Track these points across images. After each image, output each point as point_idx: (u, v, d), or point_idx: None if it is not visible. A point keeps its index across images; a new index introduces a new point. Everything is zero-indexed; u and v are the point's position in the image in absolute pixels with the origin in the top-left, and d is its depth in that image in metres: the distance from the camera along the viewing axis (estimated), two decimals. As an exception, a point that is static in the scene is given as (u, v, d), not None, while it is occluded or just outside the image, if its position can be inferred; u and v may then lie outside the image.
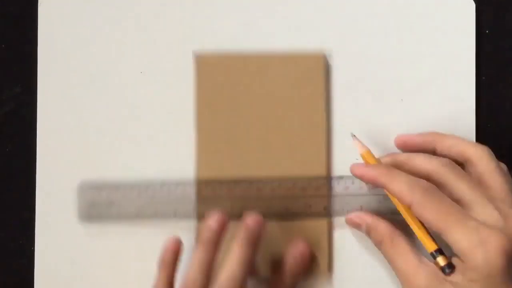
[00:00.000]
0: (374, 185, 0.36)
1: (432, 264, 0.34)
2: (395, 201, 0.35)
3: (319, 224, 0.40)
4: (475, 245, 0.31)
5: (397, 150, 0.40)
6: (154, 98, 0.42)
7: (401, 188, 0.34)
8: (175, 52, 0.42)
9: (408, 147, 0.39)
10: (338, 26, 0.42)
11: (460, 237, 0.32)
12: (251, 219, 0.36)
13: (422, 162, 0.36)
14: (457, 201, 0.34)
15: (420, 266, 0.34)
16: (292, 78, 0.40)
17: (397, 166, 0.36)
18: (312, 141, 0.40)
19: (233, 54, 0.41)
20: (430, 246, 0.34)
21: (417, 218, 0.34)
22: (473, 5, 0.42)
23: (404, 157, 0.37)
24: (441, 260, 0.34)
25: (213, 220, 0.36)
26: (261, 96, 0.40)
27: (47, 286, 0.41)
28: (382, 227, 0.36)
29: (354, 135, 0.38)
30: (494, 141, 0.42)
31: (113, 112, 0.42)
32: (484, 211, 0.33)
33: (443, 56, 0.42)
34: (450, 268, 0.33)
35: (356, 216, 0.38)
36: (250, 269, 0.36)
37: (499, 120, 0.42)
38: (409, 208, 0.34)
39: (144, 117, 0.41)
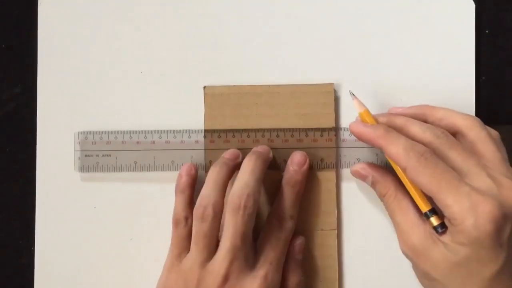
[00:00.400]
0: (371, 145, 0.36)
1: (428, 225, 0.34)
2: (391, 162, 0.36)
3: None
4: (466, 210, 0.32)
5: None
6: (154, 98, 0.42)
7: (398, 151, 0.34)
8: (175, 51, 0.42)
9: None
10: (338, 27, 0.42)
11: (451, 201, 0.32)
12: (259, 147, 0.39)
13: (417, 131, 0.36)
14: (453, 169, 0.34)
15: (417, 224, 0.34)
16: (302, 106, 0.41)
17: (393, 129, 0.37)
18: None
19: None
20: (424, 206, 0.35)
21: (413, 182, 0.35)
22: (473, 5, 0.42)
23: (401, 122, 0.37)
24: (434, 220, 0.34)
25: (227, 153, 0.39)
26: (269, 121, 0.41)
27: (47, 286, 0.41)
28: (389, 180, 0.37)
29: (353, 93, 0.38)
30: (494, 141, 0.42)
31: (113, 112, 0.42)
32: (477, 179, 0.33)
33: (443, 56, 0.42)
34: (442, 227, 0.33)
35: (362, 168, 0.38)
36: (260, 183, 0.37)
37: (499, 120, 0.42)
38: (404, 171, 0.34)
39: (145, 116, 0.41)
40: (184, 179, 0.39)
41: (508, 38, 0.43)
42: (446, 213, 0.33)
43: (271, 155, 0.40)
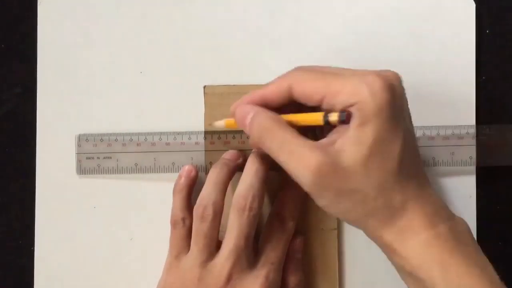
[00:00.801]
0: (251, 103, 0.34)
1: (321, 142, 0.32)
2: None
3: None
4: (360, 85, 0.30)
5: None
6: (154, 98, 0.42)
7: (277, 81, 0.33)
8: (175, 51, 0.42)
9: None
10: (338, 27, 0.42)
11: (341, 85, 0.31)
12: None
13: (279, 82, 0.34)
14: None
15: (313, 145, 0.32)
16: None
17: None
18: None
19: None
20: (318, 116, 0.32)
21: (299, 95, 0.33)
22: (473, 5, 0.42)
23: (254, 92, 0.34)
24: (334, 115, 0.31)
25: (227, 154, 0.39)
26: None
27: (47, 286, 0.41)
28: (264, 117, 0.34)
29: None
30: (494, 141, 0.42)
31: (113, 112, 0.42)
32: (355, 71, 0.32)
33: (443, 56, 0.41)
34: (344, 113, 0.31)
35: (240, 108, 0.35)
36: (264, 184, 0.37)
37: (499, 120, 0.42)
38: (289, 90, 0.33)
39: (145, 117, 0.41)
40: (183, 180, 0.39)
41: (509, 38, 0.43)
42: (340, 98, 0.31)
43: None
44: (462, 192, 0.41)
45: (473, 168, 0.41)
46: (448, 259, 0.32)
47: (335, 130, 0.32)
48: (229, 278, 0.36)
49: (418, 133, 0.40)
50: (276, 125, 0.33)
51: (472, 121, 0.41)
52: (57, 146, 0.41)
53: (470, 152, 0.40)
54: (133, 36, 0.42)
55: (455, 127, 0.41)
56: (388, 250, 0.33)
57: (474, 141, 0.40)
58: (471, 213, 0.41)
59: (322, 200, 0.32)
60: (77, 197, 0.41)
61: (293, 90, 0.33)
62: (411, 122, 0.33)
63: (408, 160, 0.32)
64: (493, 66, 0.42)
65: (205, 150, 0.40)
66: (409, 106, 0.40)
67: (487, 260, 0.33)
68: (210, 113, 0.41)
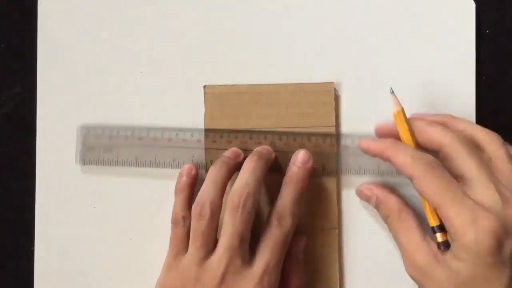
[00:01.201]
0: (381, 157, 0.36)
1: (433, 244, 0.34)
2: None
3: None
4: (468, 223, 0.31)
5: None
6: (154, 98, 0.42)
7: (405, 161, 0.34)
8: (175, 51, 0.42)
9: None
10: (338, 28, 0.42)
11: (454, 214, 0.32)
12: (261, 147, 0.39)
13: (436, 133, 0.35)
14: (461, 176, 0.34)
15: (421, 245, 0.34)
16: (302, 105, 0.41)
17: (416, 131, 0.36)
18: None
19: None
20: (433, 220, 0.34)
21: (417, 190, 0.34)
22: (473, 5, 0.42)
23: (421, 124, 0.36)
24: (439, 236, 0.34)
25: (228, 151, 0.39)
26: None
27: (47, 286, 0.41)
28: (392, 201, 0.37)
29: (393, 91, 0.38)
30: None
31: (113, 112, 0.42)
32: (485, 192, 0.33)
33: (443, 56, 0.41)
34: (446, 246, 0.33)
35: (367, 188, 0.38)
36: (261, 184, 0.37)
37: (499, 120, 0.42)
38: (411, 180, 0.34)
39: (144, 117, 0.41)
40: (184, 179, 0.39)
41: (508, 38, 0.43)
42: (448, 226, 0.33)
43: (273, 155, 0.40)
44: (462, 192, 0.41)
45: (473, 168, 0.41)
46: None
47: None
48: (223, 277, 0.36)
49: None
50: (405, 214, 0.36)
51: (472, 121, 0.41)
52: (58, 146, 0.41)
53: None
54: (133, 36, 0.42)
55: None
56: None
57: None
58: (471, 213, 0.41)
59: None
60: (77, 197, 0.41)
61: (413, 181, 0.34)
62: None
63: None
64: (493, 66, 0.42)
65: (205, 148, 0.40)
66: (409, 106, 0.40)
67: None
68: (210, 113, 0.41)
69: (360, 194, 0.39)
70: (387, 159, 0.36)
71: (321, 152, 0.40)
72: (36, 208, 0.41)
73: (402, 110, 0.37)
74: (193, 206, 0.37)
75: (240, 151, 0.40)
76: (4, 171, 0.42)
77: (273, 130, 0.40)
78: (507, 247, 0.32)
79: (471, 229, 0.31)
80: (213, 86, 0.41)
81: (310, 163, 0.39)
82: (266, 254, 0.37)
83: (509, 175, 0.34)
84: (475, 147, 0.35)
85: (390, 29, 0.42)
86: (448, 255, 0.33)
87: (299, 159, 0.38)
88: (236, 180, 0.37)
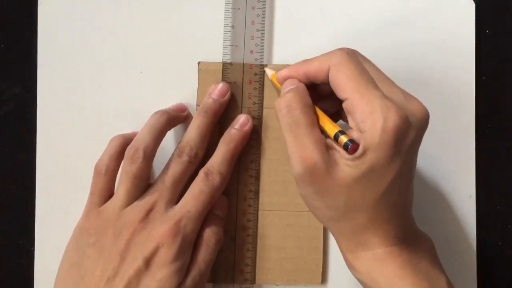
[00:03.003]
0: (298, 78, 0.35)
1: (327, 143, 0.33)
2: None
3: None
4: (377, 112, 0.31)
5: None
6: (154, 98, 0.42)
7: (320, 58, 0.34)
8: (175, 51, 0.42)
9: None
10: (338, 28, 0.42)
11: (364, 102, 0.32)
12: (215, 90, 0.40)
13: (322, 59, 0.35)
14: None
15: (321, 140, 0.33)
16: None
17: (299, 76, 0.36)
18: None
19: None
20: (334, 128, 0.33)
21: (331, 81, 0.34)
22: (473, 5, 0.42)
23: (301, 64, 0.36)
24: (344, 138, 0.32)
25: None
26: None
27: (47, 286, 0.41)
28: (301, 88, 0.35)
29: (266, 67, 0.40)
30: (494, 141, 0.42)
31: (113, 112, 0.42)
32: (389, 88, 0.33)
33: (443, 56, 0.41)
34: (352, 142, 0.32)
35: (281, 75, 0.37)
36: (205, 138, 0.39)
37: (499, 120, 0.42)
38: (327, 72, 0.34)
39: (144, 116, 0.41)
40: (120, 134, 0.40)
41: (508, 38, 0.43)
42: (357, 113, 0.32)
43: (247, 127, 0.40)
44: (462, 192, 0.41)
45: (473, 168, 0.41)
46: (397, 271, 0.33)
47: (351, 129, 0.33)
48: (146, 214, 0.36)
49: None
50: (300, 107, 0.34)
51: (472, 121, 0.41)
52: (58, 145, 0.41)
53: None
54: (133, 36, 0.42)
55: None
56: (346, 263, 0.35)
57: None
58: (471, 213, 0.41)
59: (300, 190, 0.34)
60: (77, 197, 0.41)
61: (329, 74, 0.34)
62: (415, 157, 0.34)
63: (396, 192, 0.33)
64: (493, 66, 0.42)
65: None
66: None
67: (444, 276, 0.34)
68: (204, 90, 0.41)
69: (280, 77, 0.37)
70: (304, 74, 0.35)
71: None
72: (36, 208, 0.41)
73: (274, 75, 0.38)
74: (127, 149, 0.38)
75: (185, 106, 0.41)
76: (4, 171, 0.42)
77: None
78: (407, 139, 0.32)
79: (380, 117, 0.31)
80: (207, 63, 0.41)
81: (247, 126, 0.40)
82: (188, 201, 0.37)
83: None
84: (363, 56, 0.35)
85: (390, 29, 0.42)
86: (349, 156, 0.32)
87: (239, 121, 0.40)
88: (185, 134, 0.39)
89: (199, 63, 0.41)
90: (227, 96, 0.40)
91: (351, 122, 0.33)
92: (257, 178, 0.41)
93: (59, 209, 0.41)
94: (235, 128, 0.39)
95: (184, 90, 0.41)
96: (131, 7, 0.42)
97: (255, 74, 0.41)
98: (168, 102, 0.41)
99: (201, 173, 0.38)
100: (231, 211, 0.41)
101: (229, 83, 0.40)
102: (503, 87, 0.43)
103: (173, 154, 0.38)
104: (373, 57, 0.41)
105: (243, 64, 0.41)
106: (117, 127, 0.41)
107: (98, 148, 0.40)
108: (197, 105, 0.41)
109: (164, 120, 0.39)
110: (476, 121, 0.41)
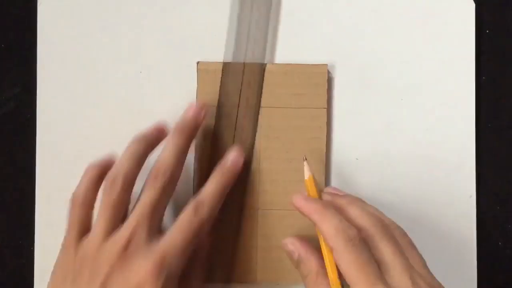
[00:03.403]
0: (308, 218, 0.35)
1: None
2: (320, 238, 0.35)
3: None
4: None
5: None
6: (154, 98, 0.42)
7: (329, 231, 0.33)
8: (175, 51, 0.42)
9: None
10: (338, 27, 0.42)
11: None
12: (191, 109, 0.38)
13: (356, 215, 0.35)
14: (379, 261, 0.33)
15: None
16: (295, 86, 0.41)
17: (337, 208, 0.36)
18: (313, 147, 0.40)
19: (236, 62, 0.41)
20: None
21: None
22: (473, 5, 0.42)
23: (343, 203, 0.36)
24: None
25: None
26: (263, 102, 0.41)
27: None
28: (312, 262, 0.36)
29: (306, 159, 0.38)
30: (494, 141, 0.42)
31: (113, 112, 0.42)
32: (399, 278, 0.32)
33: (443, 56, 0.41)
34: None
35: (291, 243, 0.37)
36: (180, 159, 0.37)
37: (499, 120, 0.42)
38: (330, 251, 0.34)
39: (144, 116, 0.41)
40: (96, 162, 0.37)
41: (508, 38, 0.43)
42: None
43: (201, 118, 0.38)
44: (462, 192, 0.41)
45: (473, 168, 0.41)
46: None
47: None
48: (125, 247, 0.33)
49: (419, 133, 0.40)
50: (319, 279, 0.35)
51: (472, 121, 0.41)
52: (57, 146, 0.41)
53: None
54: (133, 36, 0.42)
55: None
56: None
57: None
58: (471, 213, 0.41)
59: None
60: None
61: (333, 253, 0.33)
62: None
63: None
64: (493, 66, 0.42)
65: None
66: (409, 106, 0.40)
67: None
68: (203, 91, 0.41)
69: (284, 247, 0.37)
70: (314, 223, 0.35)
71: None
72: (36, 208, 0.41)
73: (311, 178, 0.37)
74: (105, 178, 0.36)
75: (164, 125, 0.39)
76: (4, 171, 0.42)
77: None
78: None
79: None
80: (207, 63, 0.41)
81: (239, 165, 0.39)
82: (174, 234, 0.34)
83: (419, 261, 0.34)
84: (391, 233, 0.35)
85: (390, 29, 0.42)
86: None
87: (231, 158, 0.38)
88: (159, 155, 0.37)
89: (198, 63, 0.41)
90: (203, 115, 0.38)
91: None
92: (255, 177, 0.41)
93: (59, 209, 0.41)
94: (228, 165, 0.38)
95: (184, 90, 0.41)
96: (131, 7, 0.42)
97: (255, 73, 0.41)
98: (168, 102, 0.41)
99: (191, 205, 0.36)
100: (231, 209, 0.40)
101: (228, 83, 0.40)
102: (503, 87, 0.43)
103: (148, 176, 0.36)
104: (373, 57, 0.42)
105: (244, 63, 0.41)
106: (117, 127, 0.41)
107: (98, 148, 0.40)
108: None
109: (143, 146, 0.37)
110: (476, 121, 0.41)
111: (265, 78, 0.41)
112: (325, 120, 0.40)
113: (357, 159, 0.40)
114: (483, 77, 0.42)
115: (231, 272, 0.40)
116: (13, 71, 0.43)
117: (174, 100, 0.41)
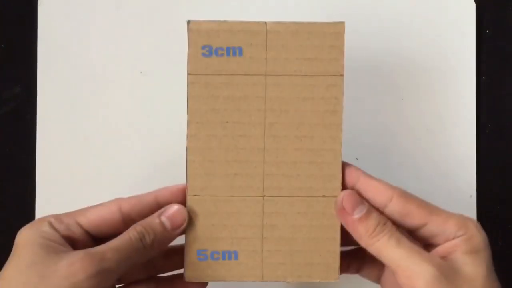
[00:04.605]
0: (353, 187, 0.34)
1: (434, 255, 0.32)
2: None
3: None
4: (466, 221, 0.32)
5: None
6: (154, 98, 0.42)
7: (381, 184, 0.33)
8: (175, 52, 0.42)
9: None
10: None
11: (448, 217, 0.32)
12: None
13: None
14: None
15: (424, 253, 0.32)
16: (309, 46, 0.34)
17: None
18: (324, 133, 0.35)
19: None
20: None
21: (397, 209, 0.33)
22: (473, 5, 0.42)
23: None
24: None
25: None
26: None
27: (47, 286, 0.41)
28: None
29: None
30: (494, 141, 0.42)
31: (113, 112, 0.42)
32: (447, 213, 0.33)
33: (443, 56, 0.42)
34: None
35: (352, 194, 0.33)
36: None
37: (499, 120, 0.42)
38: (385, 205, 0.33)
39: (144, 116, 0.42)
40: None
41: (509, 38, 0.43)
42: (449, 229, 0.32)
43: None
44: (462, 192, 0.41)
45: (473, 168, 0.41)
46: None
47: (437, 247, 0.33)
48: None
49: (420, 133, 0.40)
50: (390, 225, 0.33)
51: (472, 121, 0.41)
52: (57, 145, 0.41)
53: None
54: (133, 36, 0.42)
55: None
56: None
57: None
58: (471, 213, 0.41)
59: None
60: (77, 197, 0.41)
61: (394, 199, 0.33)
62: None
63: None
64: (493, 66, 0.42)
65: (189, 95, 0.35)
66: (409, 106, 0.40)
67: None
68: (195, 55, 0.34)
69: (347, 200, 0.33)
70: (361, 193, 0.34)
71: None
72: (36, 208, 0.41)
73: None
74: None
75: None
76: (4, 171, 0.42)
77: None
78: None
79: (470, 223, 0.32)
80: (199, 22, 0.33)
81: (182, 227, 0.33)
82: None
83: None
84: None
85: (390, 29, 0.42)
86: (459, 252, 0.32)
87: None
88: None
89: (188, 21, 0.33)
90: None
91: (438, 239, 0.33)
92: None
93: (59, 209, 0.41)
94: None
95: (183, 90, 0.41)
96: (130, 7, 0.42)
97: (258, 34, 0.33)
98: (168, 102, 0.41)
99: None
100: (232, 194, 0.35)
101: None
102: (503, 87, 0.43)
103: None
104: (373, 57, 0.42)
105: (242, 22, 0.33)
106: (117, 126, 0.41)
107: (97, 148, 0.40)
108: (188, 74, 0.34)
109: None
110: (476, 121, 0.41)
111: (269, 40, 0.33)
112: (342, 90, 0.34)
113: (357, 159, 0.40)
114: (483, 77, 0.42)
115: (232, 268, 0.35)
116: (13, 71, 0.43)
117: (175, 100, 0.41)
